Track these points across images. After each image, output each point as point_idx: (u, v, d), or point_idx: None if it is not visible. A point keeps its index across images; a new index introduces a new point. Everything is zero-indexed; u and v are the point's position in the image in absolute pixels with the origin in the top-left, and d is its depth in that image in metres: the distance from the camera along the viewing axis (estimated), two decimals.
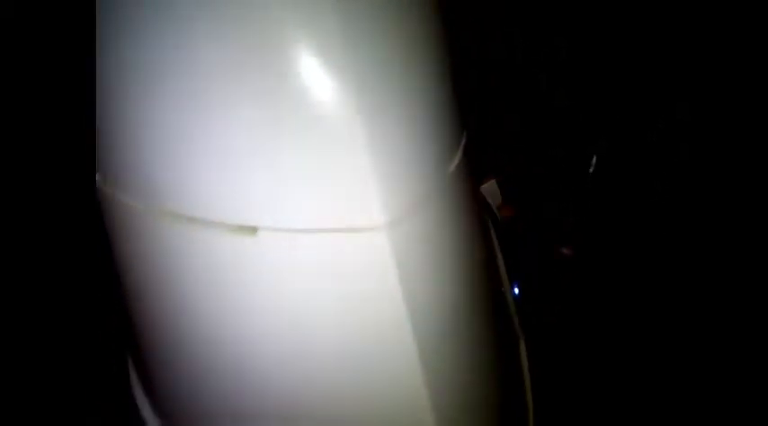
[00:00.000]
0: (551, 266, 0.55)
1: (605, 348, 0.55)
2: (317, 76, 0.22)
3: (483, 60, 0.59)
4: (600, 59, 0.59)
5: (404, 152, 0.25)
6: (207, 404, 0.33)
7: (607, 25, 0.58)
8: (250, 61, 0.22)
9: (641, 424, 0.53)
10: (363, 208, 0.25)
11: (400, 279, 0.26)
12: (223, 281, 0.26)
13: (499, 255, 0.51)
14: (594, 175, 0.72)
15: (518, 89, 0.62)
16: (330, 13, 0.21)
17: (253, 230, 0.24)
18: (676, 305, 0.55)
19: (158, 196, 0.25)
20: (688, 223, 0.57)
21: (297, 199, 0.24)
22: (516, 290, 0.54)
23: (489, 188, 0.54)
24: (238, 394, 0.30)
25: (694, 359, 0.53)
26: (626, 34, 0.58)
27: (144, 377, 0.38)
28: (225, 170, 0.24)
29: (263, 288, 0.26)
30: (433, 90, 0.27)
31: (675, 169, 0.58)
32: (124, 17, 0.24)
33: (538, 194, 0.60)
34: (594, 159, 0.70)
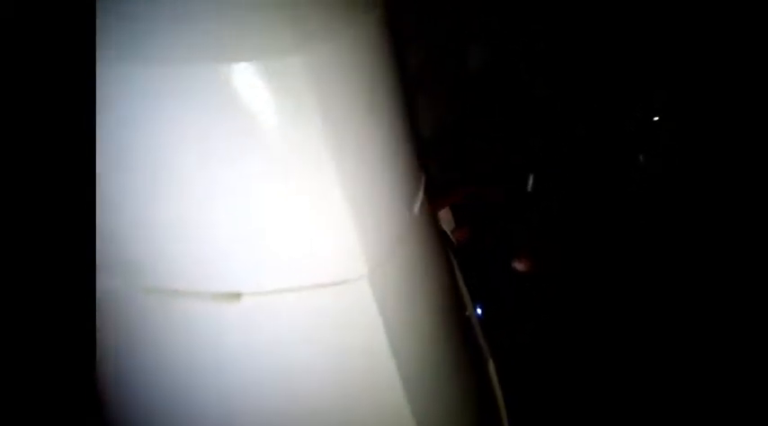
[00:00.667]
0: (512, 283, 0.56)
1: (573, 361, 0.56)
2: (292, 135, 0.23)
3: (460, 49, 0.59)
4: (579, 48, 0.60)
5: (378, 200, 0.26)
6: None
7: (585, 13, 0.59)
8: (221, 126, 0.22)
9: None
10: (345, 260, 0.25)
11: (384, 324, 0.27)
12: (211, 350, 0.26)
13: (460, 279, 0.52)
14: (533, 194, 0.74)
15: (497, 78, 0.63)
16: (303, 80, 0.22)
17: (236, 296, 0.24)
18: (651, 309, 0.55)
19: (137, 272, 0.24)
20: (666, 215, 0.58)
21: (278, 259, 0.24)
22: (479, 311, 0.56)
23: (444, 216, 0.55)
24: None
25: (663, 363, 0.54)
26: (605, 22, 0.59)
27: None
28: (202, 238, 0.24)
29: (253, 351, 0.26)
30: (399, 135, 0.28)
31: (653, 158, 0.59)
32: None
33: (498, 210, 0.61)
34: (532, 178, 0.73)
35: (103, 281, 0.24)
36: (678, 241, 0.57)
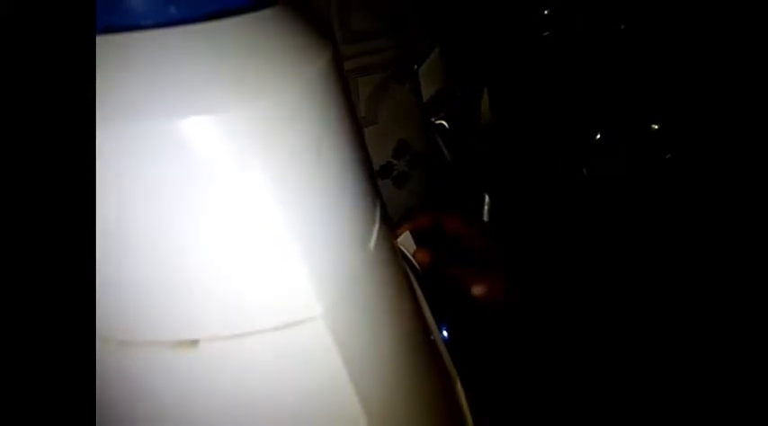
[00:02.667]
0: (473, 304, 0.57)
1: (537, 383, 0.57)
2: (240, 187, 0.23)
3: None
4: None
5: (330, 240, 0.27)
6: None
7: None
8: (170, 179, 0.23)
9: None
10: (299, 301, 0.26)
11: (344, 362, 0.27)
12: (172, 398, 0.26)
13: (424, 303, 0.53)
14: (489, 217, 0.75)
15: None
16: (247, 133, 0.22)
17: (193, 343, 0.25)
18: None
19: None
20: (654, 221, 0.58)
21: (233, 304, 0.25)
22: (445, 333, 0.57)
23: (404, 240, 0.57)
24: None
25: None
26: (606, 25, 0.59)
27: None
28: (155, 288, 0.24)
29: (214, 397, 0.26)
30: (350, 175, 0.29)
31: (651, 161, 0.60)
32: None
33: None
34: (487, 200, 0.75)
35: None
36: (669, 247, 0.57)
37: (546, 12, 0.68)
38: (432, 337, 0.51)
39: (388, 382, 0.33)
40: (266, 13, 0.26)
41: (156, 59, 0.23)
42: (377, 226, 0.34)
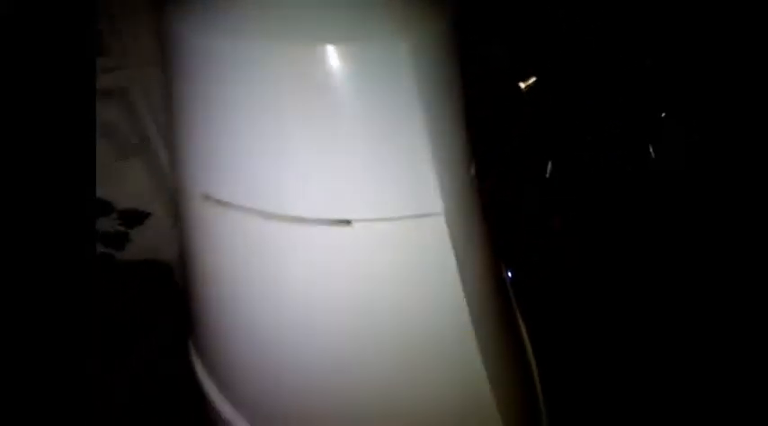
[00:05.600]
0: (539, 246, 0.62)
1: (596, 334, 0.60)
2: (394, 101, 0.31)
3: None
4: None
5: (452, 157, 0.34)
6: (288, 399, 0.39)
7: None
8: (331, 96, 0.30)
9: None
10: (429, 197, 0.33)
11: (456, 256, 0.35)
12: (326, 271, 0.34)
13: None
14: (551, 181, 0.79)
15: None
16: (406, 60, 0.30)
17: (348, 222, 0.32)
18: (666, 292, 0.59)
19: (262, 199, 0.33)
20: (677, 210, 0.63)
21: (382, 192, 0.32)
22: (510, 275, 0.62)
23: None
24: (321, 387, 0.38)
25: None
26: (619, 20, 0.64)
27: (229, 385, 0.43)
28: (323, 173, 0.32)
29: (360, 271, 0.34)
30: (463, 113, 0.36)
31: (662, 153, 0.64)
32: None
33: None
34: (550, 165, 0.79)
35: (227, 205, 0.32)
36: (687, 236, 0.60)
37: None
38: (503, 275, 0.57)
39: (486, 293, 0.40)
40: None
41: None
42: (473, 163, 0.41)
